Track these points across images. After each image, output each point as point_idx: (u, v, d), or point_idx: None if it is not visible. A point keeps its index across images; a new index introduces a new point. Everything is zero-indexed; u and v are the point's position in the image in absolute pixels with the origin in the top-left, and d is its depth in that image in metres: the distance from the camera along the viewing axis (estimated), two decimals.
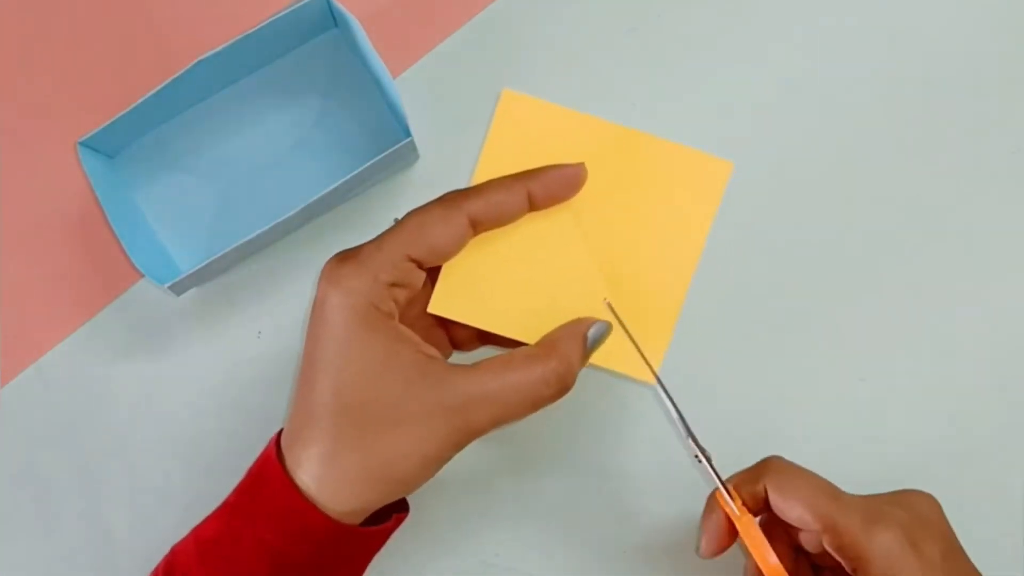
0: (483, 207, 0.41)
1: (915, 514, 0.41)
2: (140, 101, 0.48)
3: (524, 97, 0.42)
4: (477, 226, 0.41)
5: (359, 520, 0.41)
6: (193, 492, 0.52)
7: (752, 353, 0.52)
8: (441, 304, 0.42)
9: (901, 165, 0.53)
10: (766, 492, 0.42)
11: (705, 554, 0.43)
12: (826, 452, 0.48)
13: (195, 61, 0.48)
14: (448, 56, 0.54)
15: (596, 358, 0.42)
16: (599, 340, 0.42)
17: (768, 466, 0.43)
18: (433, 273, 0.42)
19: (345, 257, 0.40)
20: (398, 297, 0.40)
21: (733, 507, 0.42)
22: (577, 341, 0.41)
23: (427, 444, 0.40)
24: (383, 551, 0.44)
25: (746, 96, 0.53)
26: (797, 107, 0.53)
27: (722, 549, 0.43)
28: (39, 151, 0.53)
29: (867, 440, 0.51)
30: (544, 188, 0.41)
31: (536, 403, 0.41)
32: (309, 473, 0.40)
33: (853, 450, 0.51)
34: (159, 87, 0.48)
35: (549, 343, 0.41)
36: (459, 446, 0.40)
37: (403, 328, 0.40)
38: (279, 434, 0.42)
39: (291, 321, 0.52)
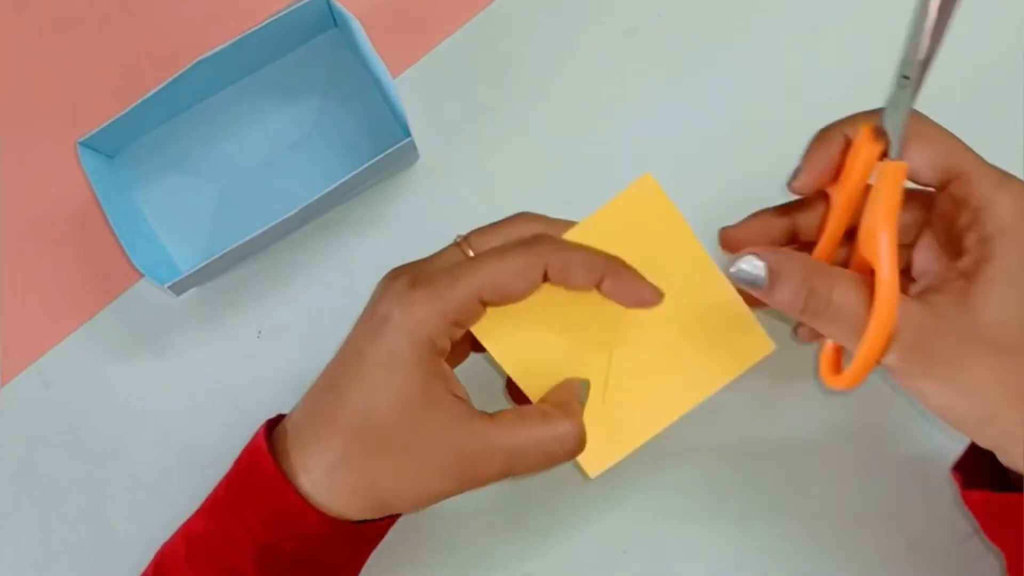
0: (562, 269, 0.40)
1: None
2: (140, 101, 0.48)
3: (659, 190, 0.42)
4: (546, 278, 0.40)
5: (354, 520, 0.41)
6: (193, 492, 0.52)
7: None
8: (486, 332, 0.42)
9: None
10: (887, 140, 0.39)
11: (800, 187, 0.40)
12: (829, 451, 0.48)
13: (195, 61, 0.48)
14: (448, 56, 0.54)
15: None
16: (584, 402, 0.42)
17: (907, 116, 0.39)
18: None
19: (417, 280, 0.40)
20: (455, 336, 0.40)
21: (893, 143, 0.38)
22: (578, 401, 0.42)
23: (431, 483, 0.40)
24: (381, 550, 0.44)
25: (745, 95, 0.53)
26: (798, 106, 0.53)
27: (820, 185, 0.40)
28: (39, 151, 0.53)
29: (867, 441, 0.51)
30: (616, 287, 0.41)
31: (552, 461, 0.41)
32: (310, 479, 0.40)
33: (855, 451, 0.51)
34: (159, 87, 0.48)
35: (563, 403, 0.41)
36: (460, 490, 0.40)
37: (445, 366, 0.40)
38: (266, 427, 0.42)
39: (291, 321, 0.52)
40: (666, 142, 0.53)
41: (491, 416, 0.40)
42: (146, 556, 0.51)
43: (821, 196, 0.42)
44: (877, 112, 0.39)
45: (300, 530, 0.40)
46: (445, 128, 0.53)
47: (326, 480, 0.40)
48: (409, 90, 0.53)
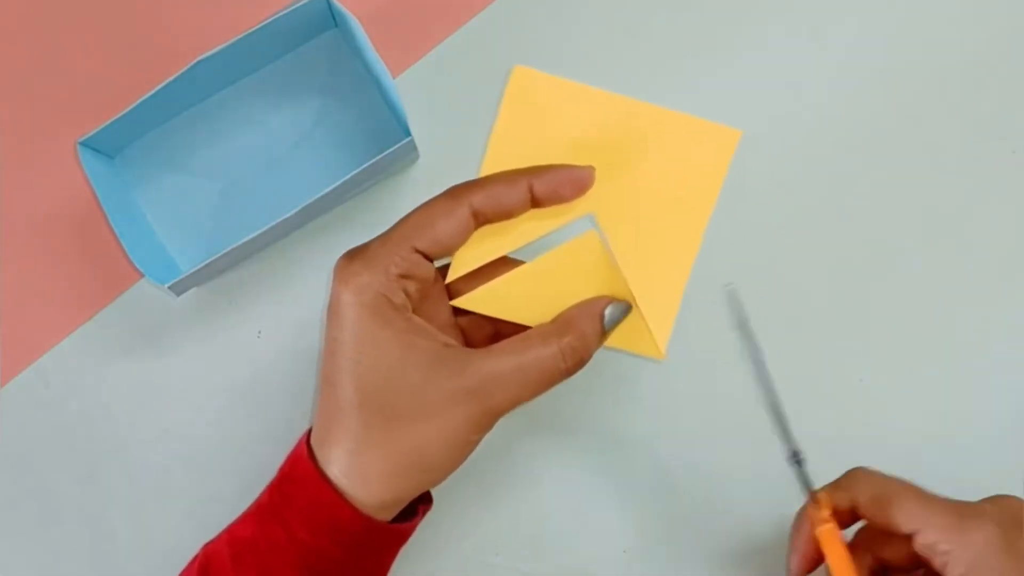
0: (485, 199, 0.41)
1: (1007, 513, 0.41)
2: (140, 101, 0.48)
3: (534, 72, 0.42)
4: (479, 217, 0.41)
5: (391, 514, 0.42)
6: (193, 492, 0.52)
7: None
8: (461, 299, 0.43)
9: (900, 167, 0.53)
10: (852, 504, 0.42)
11: (796, 573, 0.43)
12: (829, 452, 0.48)
13: (195, 61, 0.48)
14: (448, 56, 0.54)
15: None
16: (617, 319, 0.42)
17: (856, 476, 0.43)
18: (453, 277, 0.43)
19: (353, 255, 0.41)
20: (409, 289, 0.41)
21: (821, 514, 0.42)
22: (593, 318, 0.42)
23: (450, 429, 0.40)
24: None
25: (747, 95, 0.53)
26: (801, 106, 0.53)
27: (814, 566, 0.43)
28: (39, 151, 0.53)
29: (866, 440, 0.51)
30: (547, 186, 0.41)
31: (552, 378, 0.41)
32: (339, 469, 0.40)
33: (855, 451, 0.51)
34: (159, 87, 0.48)
35: (564, 319, 0.42)
36: (483, 428, 0.41)
37: (417, 319, 0.41)
38: (308, 433, 0.43)
39: (291, 321, 0.52)
40: None
41: (489, 349, 0.41)
42: (146, 556, 0.51)
43: None
44: (820, 489, 0.43)
45: (336, 526, 0.40)
46: (445, 128, 0.53)
47: (351, 468, 0.40)
48: (409, 90, 0.53)
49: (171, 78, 0.48)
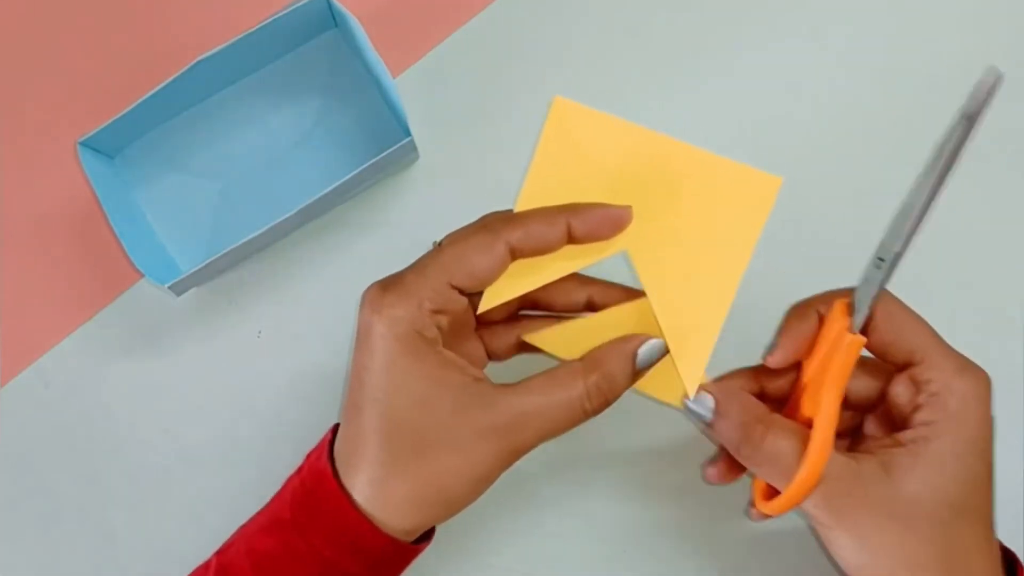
0: (523, 237, 0.41)
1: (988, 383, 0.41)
2: (140, 101, 0.48)
3: (575, 105, 0.42)
4: (515, 253, 0.41)
5: (411, 538, 0.42)
6: (193, 492, 0.52)
7: None
8: (533, 335, 0.43)
9: (900, 167, 0.53)
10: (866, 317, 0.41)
11: (775, 363, 0.42)
12: None
13: (195, 61, 0.48)
14: (448, 56, 0.54)
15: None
16: (651, 360, 0.42)
17: (879, 295, 0.41)
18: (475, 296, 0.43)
19: (388, 285, 0.41)
20: (441, 323, 0.41)
21: (853, 321, 0.40)
22: (623, 357, 0.41)
23: (476, 463, 0.40)
24: None
25: (750, 95, 0.53)
26: (802, 107, 0.53)
27: (795, 359, 0.42)
28: (39, 151, 0.53)
29: None
30: (585, 225, 0.41)
31: (578, 417, 0.41)
32: (363, 495, 0.41)
33: None
34: (159, 87, 0.48)
35: (593, 357, 0.42)
36: (508, 464, 0.41)
37: (448, 353, 0.41)
38: (327, 449, 0.43)
39: (291, 321, 0.53)
40: None
41: (517, 386, 0.41)
42: (147, 556, 0.51)
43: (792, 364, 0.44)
44: (849, 290, 0.41)
45: (361, 546, 0.41)
46: (445, 128, 0.53)
47: (376, 495, 0.40)
48: (409, 90, 0.53)
49: (171, 78, 0.48)
